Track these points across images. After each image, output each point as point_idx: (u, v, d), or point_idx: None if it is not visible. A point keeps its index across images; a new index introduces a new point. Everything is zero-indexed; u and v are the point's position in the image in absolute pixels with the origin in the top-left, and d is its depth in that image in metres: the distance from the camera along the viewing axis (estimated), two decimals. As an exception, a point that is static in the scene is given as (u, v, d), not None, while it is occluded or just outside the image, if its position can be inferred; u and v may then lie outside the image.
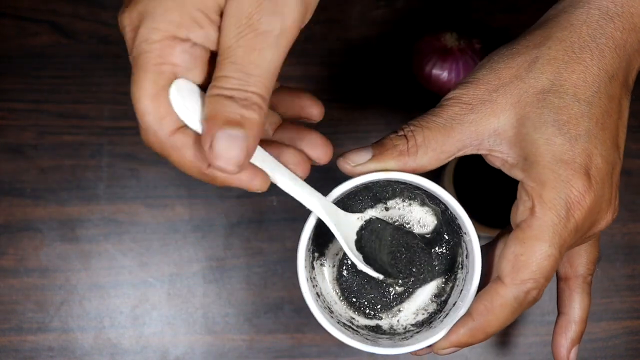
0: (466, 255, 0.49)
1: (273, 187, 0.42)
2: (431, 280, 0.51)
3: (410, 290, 0.51)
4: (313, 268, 0.52)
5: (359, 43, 0.76)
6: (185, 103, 0.38)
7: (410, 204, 0.52)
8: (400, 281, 0.50)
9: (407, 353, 0.48)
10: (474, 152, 0.46)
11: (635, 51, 0.46)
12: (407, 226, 0.51)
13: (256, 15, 0.37)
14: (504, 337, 0.74)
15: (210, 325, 0.73)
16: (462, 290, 0.49)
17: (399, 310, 0.52)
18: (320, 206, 0.45)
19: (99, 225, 0.74)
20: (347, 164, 0.47)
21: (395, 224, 0.51)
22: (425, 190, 0.48)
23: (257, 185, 0.40)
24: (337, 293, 0.52)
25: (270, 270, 0.74)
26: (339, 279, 0.52)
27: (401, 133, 0.46)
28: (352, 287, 0.52)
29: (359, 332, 0.50)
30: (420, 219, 0.52)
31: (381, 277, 0.49)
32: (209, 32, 0.38)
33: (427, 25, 0.76)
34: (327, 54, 0.76)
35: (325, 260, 0.52)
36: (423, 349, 0.47)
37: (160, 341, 0.73)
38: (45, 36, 0.75)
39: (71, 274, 0.73)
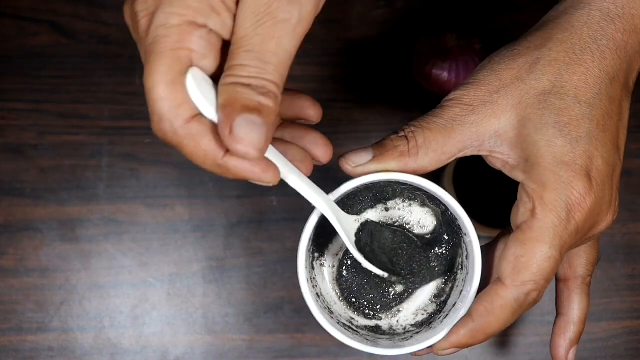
0: (466, 256, 0.49)
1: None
2: (431, 280, 0.51)
3: (410, 290, 0.51)
4: (313, 268, 0.52)
5: (359, 43, 0.76)
6: (202, 90, 0.37)
7: (410, 205, 0.52)
8: (403, 279, 0.50)
9: (407, 354, 0.48)
10: (475, 153, 0.46)
11: (636, 52, 0.46)
12: (407, 227, 0.51)
13: (275, 3, 0.37)
14: (504, 337, 0.74)
15: (210, 325, 0.73)
16: (462, 291, 0.49)
17: (399, 311, 0.52)
18: (326, 205, 0.45)
19: (99, 225, 0.74)
20: (348, 164, 0.47)
21: (395, 224, 0.51)
22: (425, 191, 0.48)
23: (269, 177, 0.39)
24: (337, 293, 0.52)
25: (270, 270, 0.74)
26: (338, 279, 0.52)
27: (402, 134, 0.46)
28: (351, 287, 0.52)
29: (358, 333, 0.50)
30: (420, 220, 0.52)
31: (386, 274, 0.49)
32: (225, 20, 0.37)
33: (427, 25, 0.76)
34: (327, 54, 0.76)
35: (325, 260, 0.52)
36: (423, 349, 0.47)
37: (160, 341, 0.73)
38: (45, 36, 0.75)
39: (71, 274, 0.73)
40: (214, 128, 0.38)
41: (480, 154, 0.46)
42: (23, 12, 0.75)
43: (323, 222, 0.47)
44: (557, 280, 0.53)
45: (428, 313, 0.51)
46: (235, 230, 0.74)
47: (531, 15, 0.75)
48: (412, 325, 0.51)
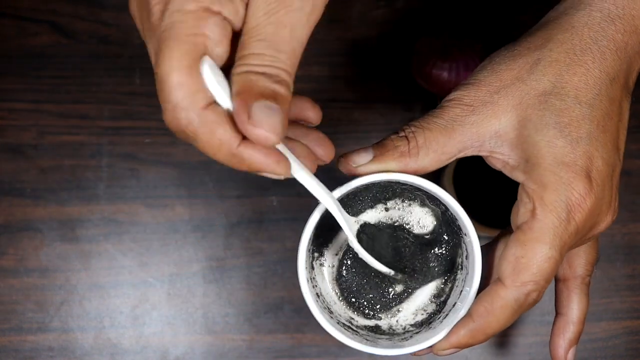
0: (466, 257, 0.49)
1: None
2: (431, 280, 0.51)
3: (410, 290, 0.51)
4: (313, 268, 0.52)
5: (359, 43, 0.76)
6: (217, 78, 0.37)
7: (410, 205, 0.52)
8: (408, 276, 0.50)
9: (407, 354, 0.48)
10: (475, 153, 0.46)
11: (636, 53, 0.46)
12: (407, 227, 0.51)
13: None
14: (504, 337, 0.74)
15: (210, 325, 0.73)
16: (461, 291, 0.49)
17: (398, 311, 0.52)
18: (332, 202, 0.45)
19: (99, 225, 0.74)
20: (348, 164, 0.47)
21: (395, 224, 0.51)
22: (425, 191, 0.48)
23: (282, 169, 0.38)
24: (337, 293, 0.52)
25: (270, 270, 0.74)
26: (338, 279, 0.52)
27: (402, 134, 0.46)
28: (351, 287, 0.52)
29: (358, 333, 0.50)
30: (420, 220, 0.52)
31: (392, 272, 0.49)
32: (238, 8, 0.37)
33: (427, 25, 0.76)
34: (327, 54, 0.76)
35: (325, 260, 0.52)
36: (423, 349, 0.47)
37: (160, 341, 0.73)
38: (45, 36, 0.75)
39: (71, 274, 0.73)
40: (229, 117, 0.37)
41: (481, 154, 0.46)
42: (23, 12, 0.75)
43: (323, 222, 0.47)
44: (557, 280, 0.53)
45: (428, 313, 0.51)
46: (235, 230, 0.74)
47: (531, 15, 0.75)
48: (411, 325, 0.51)
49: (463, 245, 0.50)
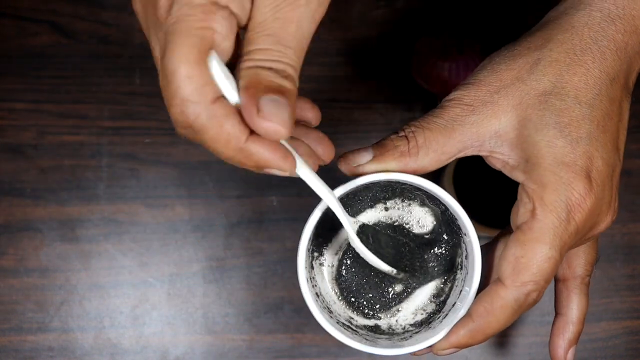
0: (465, 256, 0.49)
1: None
2: (430, 280, 0.51)
3: (409, 290, 0.51)
4: (312, 268, 0.52)
5: (359, 43, 0.76)
6: (225, 72, 0.37)
7: (409, 204, 0.52)
8: (409, 275, 0.50)
9: (407, 354, 0.48)
10: (475, 153, 0.46)
11: (636, 53, 0.46)
12: (407, 226, 0.51)
13: None
14: (504, 337, 0.74)
15: (210, 325, 0.73)
16: (461, 290, 0.49)
17: (398, 310, 0.52)
18: (335, 200, 0.45)
19: (99, 225, 0.74)
20: (348, 164, 0.47)
21: (395, 224, 0.51)
22: (425, 191, 0.48)
23: (288, 165, 0.39)
24: (336, 293, 0.52)
25: (270, 270, 0.74)
26: (338, 278, 0.52)
27: (402, 134, 0.46)
28: (351, 287, 0.52)
29: (358, 332, 0.50)
30: (419, 220, 0.52)
31: (394, 271, 0.49)
32: (244, 3, 0.37)
33: (427, 25, 0.76)
34: (327, 54, 0.76)
35: (325, 260, 0.52)
36: (422, 349, 0.47)
37: (160, 341, 0.73)
38: (45, 36, 0.75)
39: (71, 274, 0.73)
40: (237, 111, 0.37)
41: (481, 154, 0.46)
42: (23, 12, 0.75)
43: (322, 222, 0.47)
44: (556, 281, 0.53)
45: (427, 313, 0.51)
46: (235, 230, 0.74)
47: (531, 15, 0.75)
48: (411, 325, 0.51)
49: (463, 245, 0.50)
